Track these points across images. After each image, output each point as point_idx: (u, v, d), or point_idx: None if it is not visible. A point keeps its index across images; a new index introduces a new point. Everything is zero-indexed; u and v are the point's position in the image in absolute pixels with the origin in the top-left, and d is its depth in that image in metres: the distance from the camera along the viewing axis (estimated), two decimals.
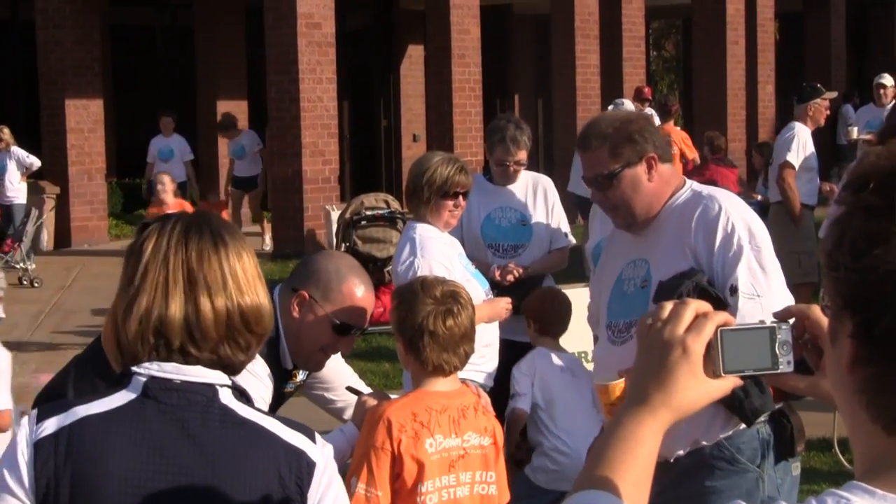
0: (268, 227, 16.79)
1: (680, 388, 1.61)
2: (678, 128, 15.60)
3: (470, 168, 5.52)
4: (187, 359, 2.11)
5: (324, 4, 15.86)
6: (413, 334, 3.50)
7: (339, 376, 3.91)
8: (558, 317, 5.72)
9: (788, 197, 9.52)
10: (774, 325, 1.65)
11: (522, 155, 6.10)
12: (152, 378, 2.09)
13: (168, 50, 21.78)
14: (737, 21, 21.88)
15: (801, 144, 9.55)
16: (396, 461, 3.41)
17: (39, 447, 2.03)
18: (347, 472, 3.37)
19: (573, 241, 6.39)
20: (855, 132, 13.82)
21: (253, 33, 18.64)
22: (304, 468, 2.11)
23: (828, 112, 10.02)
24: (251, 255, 2.22)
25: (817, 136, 10.00)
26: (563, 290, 6.02)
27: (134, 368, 2.11)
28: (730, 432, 3.57)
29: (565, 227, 6.29)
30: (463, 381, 3.72)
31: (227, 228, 2.22)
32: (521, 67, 25.63)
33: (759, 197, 13.39)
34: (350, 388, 3.83)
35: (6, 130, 15.25)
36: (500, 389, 5.36)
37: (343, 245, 11.27)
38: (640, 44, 21.25)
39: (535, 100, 25.81)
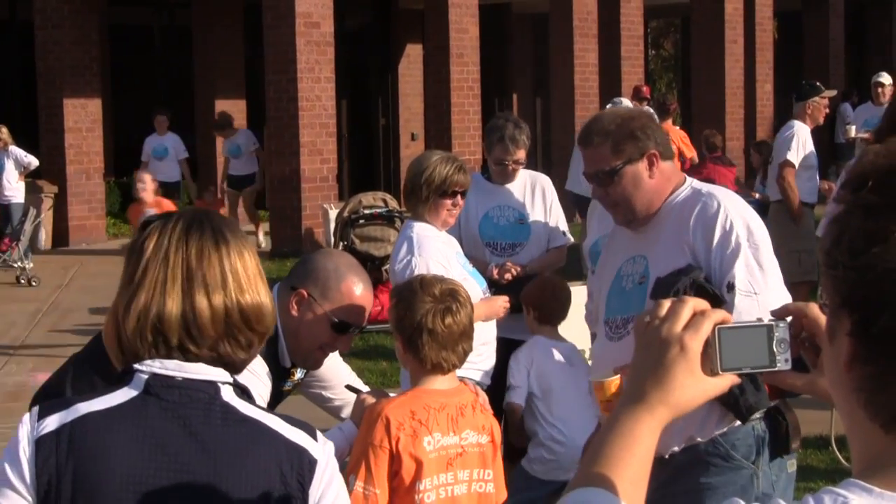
0: (261, 224, 16.81)
1: (677, 386, 1.61)
2: (677, 126, 15.61)
3: (468, 167, 5.52)
4: (187, 356, 2.12)
5: (322, 4, 15.86)
6: (412, 332, 3.50)
7: (338, 375, 3.91)
8: (558, 305, 5.72)
9: (788, 195, 9.52)
10: (772, 322, 1.65)
11: (521, 154, 6.11)
12: (154, 375, 2.10)
13: (166, 49, 21.77)
14: (735, 20, 21.89)
15: (800, 143, 9.55)
16: (395, 459, 3.41)
17: (41, 444, 2.03)
18: (346, 469, 3.37)
19: (571, 239, 6.39)
20: (853, 131, 13.82)
21: (251, 32, 18.64)
22: (305, 465, 2.11)
23: (827, 110, 10.01)
24: (252, 253, 2.22)
25: (815, 134, 10.00)
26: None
27: (136, 366, 2.11)
28: (724, 429, 3.58)
29: (563, 225, 6.29)
30: (461, 379, 3.72)
31: (228, 226, 2.22)
32: (519, 66, 25.63)
33: (758, 195, 13.41)
34: (349, 387, 3.83)
35: (4, 130, 15.26)
36: (497, 387, 5.37)
37: (341, 244, 11.27)
38: (638, 43, 21.25)
39: (534, 99, 25.82)
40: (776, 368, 1.65)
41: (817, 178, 9.83)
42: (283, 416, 2.17)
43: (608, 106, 12.95)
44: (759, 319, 1.67)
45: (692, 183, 3.76)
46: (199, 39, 20.47)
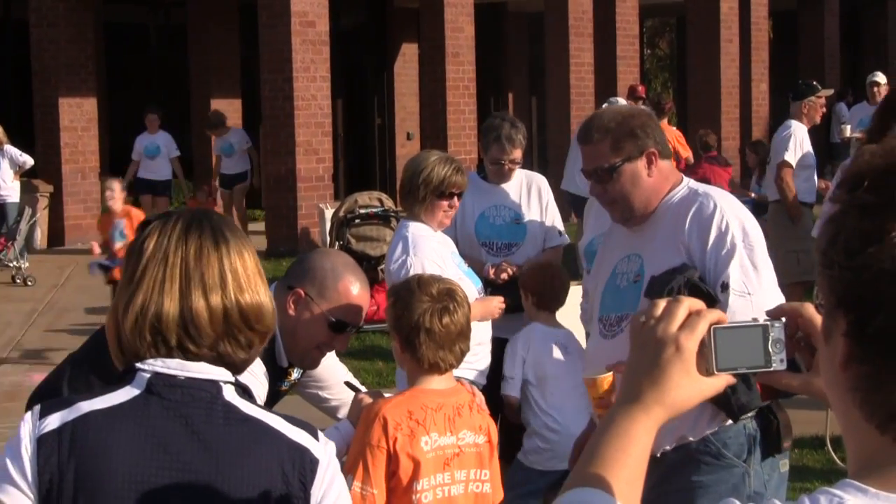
0: (247, 224, 16.82)
1: (673, 386, 1.62)
2: (672, 126, 15.62)
3: (465, 167, 5.53)
4: (187, 356, 2.12)
5: (318, 3, 15.86)
6: (409, 332, 3.50)
7: (334, 375, 3.92)
8: (556, 290, 5.72)
9: (786, 196, 9.52)
10: (767, 322, 1.66)
11: (517, 153, 6.11)
12: (156, 374, 2.10)
13: (161, 48, 21.76)
14: (731, 19, 21.89)
15: (797, 143, 9.55)
16: (392, 459, 3.41)
17: (42, 442, 2.04)
18: (343, 469, 3.37)
19: (567, 239, 6.40)
20: (848, 130, 13.84)
21: (246, 31, 18.63)
22: (307, 465, 2.12)
23: (823, 109, 10.00)
24: (252, 252, 2.22)
25: (812, 134, 10.00)
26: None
27: (138, 365, 2.11)
28: (716, 428, 3.60)
29: (559, 225, 6.30)
30: (458, 379, 3.73)
31: (227, 226, 2.23)
32: (515, 66, 25.62)
33: (754, 195, 13.43)
34: (348, 384, 3.84)
35: None
36: (493, 387, 5.37)
37: (337, 243, 11.27)
38: (634, 42, 21.25)
39: (529, 98, 25.81)
40: (772, 368, 1.65)
41: (815, 177, 9.83)
42: (284, 415, 2.17)
43: (604, 105, 12.96)
44: (755, 319, 1.67)
45: (689, 183, 3.79)
46: (195, 38, 20.45)
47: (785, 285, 9.99)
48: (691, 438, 3.59)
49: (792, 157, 9.50)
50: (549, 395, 5.52)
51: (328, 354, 3.63)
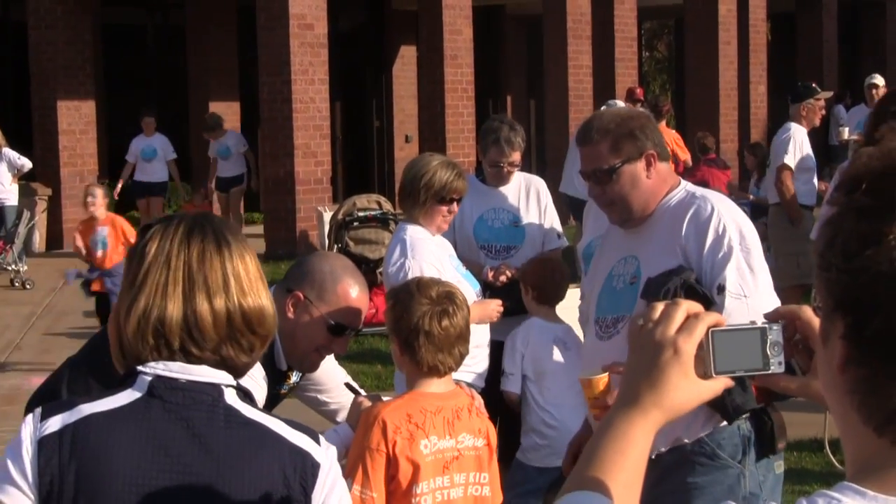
0: (241, 227, 16.81)
1: (671, 389, 1.62)
2: (670, 128, 15.63)
3: (464, 172, 5.53)
4: (190, 359, 2.12)
5: (316, 5, 15.86)
6: (408, 334, 3.50)
7: (333, 378, 3.92)
8: (556, 284, 5.72)
9: (786, 199, 9.51)
10: (765, 325, 1.66)
11: (516, 156, 6.11)
12: (158, 377, 2.10)
13: (160, 50, 21.77)
14: (729, 21, 21.91)
15: (797, 145, 9.55)
16: (391, 463, 3.41)
17: (43, 444, 2.04)
18: (342, 472, 3.37)
19: (566, 242, 6.39)
20: (846, 133, 13.84)
21: (245, 34, 18.64)
22: (308, 469, 2.12)
23: (823, 112, 9.99)
24: (253, 256, 2.23)
25: (810, 136, 10.00)
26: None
27: (139, 367, 2.11)
28: (710, 429, 3.61)
29: (558, 228, 6.30)
30: (456, 382, 3.73)
31: (229, 229, 2.23)
32: (513, 68, 25.64)
33: (752, 197, 13.43)
34: (348, 385, 3.84)
35: None
36: (491, 390, 5.37)
37: (335, 246, 11.28)
38: (632, 44, 21.27)
39: (528, 100, 25.83)
40: (770, 371, 1.65)
41: (815, 180, 9.82)
42: (286, 419, 2.17)
43: (602, 108, 12.96)
44: (753, 322, 1.67)
45: (686, 186, 3.81)
46: (193, 41, 20.46)
47: (784, 288, 10.00)
48: (686, 440, 3.61)
49: (791, 159, 9.50)
50: (546, 392, 5.52)
51: (327, 358, 3.63)
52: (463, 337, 3.55)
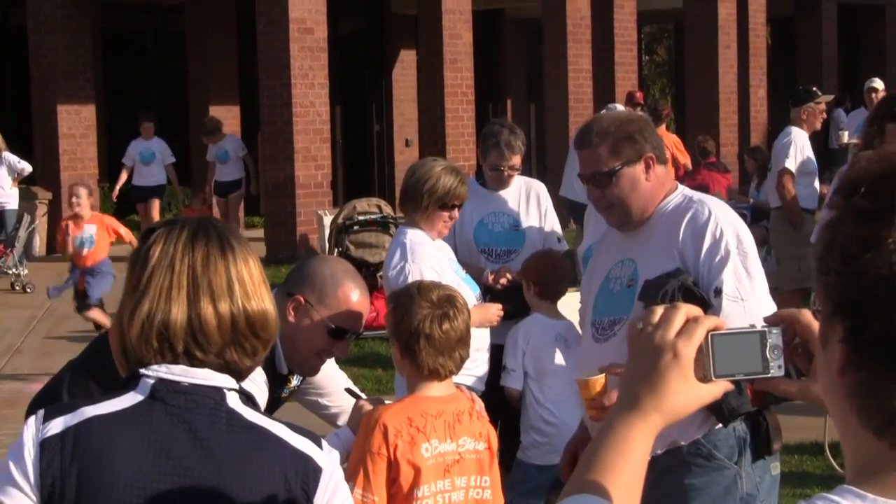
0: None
1: (671, 392, 1.62)
2: (670, 132, 15.63)
3: (466, 177, 5.54)
4: (193, 363, 2.12)
5: (316, 9, 15.87)
6: (409, 338, 3.50)
7: (334, 382, 3.92)
8: (558, 278, 5.72)
9: (788, 202, 9.51)
10: (765, 329, 1.66)
11: (516, 160, 6.11)
12: (160, 380, 2.10)
13: (160, 54, 21.77)
14: (728, 25, 21.91)
15: (798, 149, 9.54)
16: (393, 466, 3.41)
17: (45, 446, 2.04)
18: (344, 476, 3.37)
19: (566, 245, 6.40)
20: (845, 136, 13.84)
21: (245, 38, 18.65)
22: (310, 473, 2.11)
23: (823, 115, 9.98)
24: (256, 260, 2.23)
25: (811, 140, 9.99)
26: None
27: (142, 370, 2.11)
28: (706, 431, 3.63)
29: (558, 231, 6.30)
30: (456, 385, 3.73)
31: (232, 233, 2.23)
32: (513, 72, 25.65)
33: (752, 201, 13.42)
34: (349, 390, 3.84)
35: None
36: (491, 394, 5.37)
37: (336, 250, 11.27)
38: (632, 48, 21.27)
39: (527, 104, 25.83)
40: (769, 375, 1.66)
41: (816, 183, 9.81)
42: (288, 423, 2.17)
43: (602, 112, 12.97)
44: (753, 326, 1.68)
45: (683, 190, 3.84)
46: (193, 45, 20.46)
47: (786, 292, 9.96)
48: (682, 442, 3.63)
49: (792, 163, 9.50)
50: (546, 389, 5.53)
51: (328, 361, 3.63)
52: (463, 340, 3.55)
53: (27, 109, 17.77)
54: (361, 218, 11.45)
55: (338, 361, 3.88)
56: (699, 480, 3.62)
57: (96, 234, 10.50)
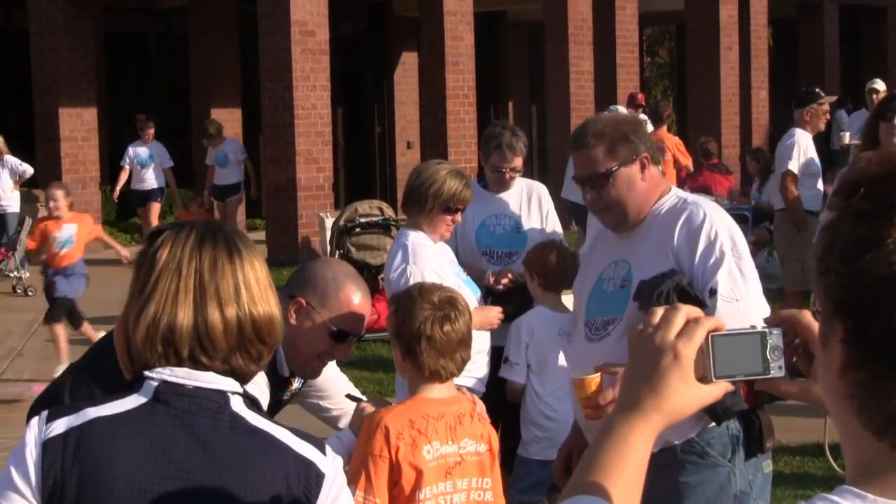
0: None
1: (671, 393, 1.62)
2: (672, 134, 15.63)
3: (470, 180, 5.53)
4: (198, 367, 2.11)
5: (317, 12, 15.88)
6: (410, 339, 3.51)
7: (335, 385, 3.92)
8: (561, 268, 5.69)
9: (791, 204, 9.50)
10: (765, 329, 1.66)
11: (518, 161, 6.11)
12: (164, 383, 2.09)
13: (162, 57, 21.79)
14: (730, 27, 21.92)
15: (801, 151, 9.53)
16: (394, 468, 3.41)
17: (47, 447, 2.04)
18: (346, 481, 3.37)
19: (568, 247, 6.39)
20: (847, 137, 13.84)
21: (247, 40, 18.66)
22: (312, 479, 2.11)
23: (827, 116, 9.96)
24: (263, 264, 2.22)
25: (814, 141, 9.97)
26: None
27: (146, 373, 2.11)
28: (700, 430, 3.65)
29: (560, 233, 6.30)
30: (458, 387, 3.73)
31: (240, 237, 2.22)
32: (514, 74, 25.66)
33: (754, 202, 13.43)
34: (349, 396, 3.84)
35: (0, 139, 15.24)
36: (492, 395, 5.37)
37: (337, 252, 11.27)
38: (633, 50, 21.27)
39: (529, 106, 25.84)
40: (770, 375, 1.66)
41: (820, 185, 9.79)
42: (292, 428, 2.16)
43: (604, 113, 12.96)
44: (753, 327, 1.68)
45: (677, 192, 3.88)
46: (195, 47, 20.48)
47: (789, 293, 9.91)
48: (676, 441, 3.64)
49: (795, 165, 9.49)
50: (547, 383, 5.52)
51: (329, 364, 3.63)
52: (465, 342, 3.55)
53: (29, 112, 17.78)
54: (363, 220, 11.45)
55: (339, 364, 3.88)
56: (693, 478, 3.65)
57: (76, 233, 10.46)
